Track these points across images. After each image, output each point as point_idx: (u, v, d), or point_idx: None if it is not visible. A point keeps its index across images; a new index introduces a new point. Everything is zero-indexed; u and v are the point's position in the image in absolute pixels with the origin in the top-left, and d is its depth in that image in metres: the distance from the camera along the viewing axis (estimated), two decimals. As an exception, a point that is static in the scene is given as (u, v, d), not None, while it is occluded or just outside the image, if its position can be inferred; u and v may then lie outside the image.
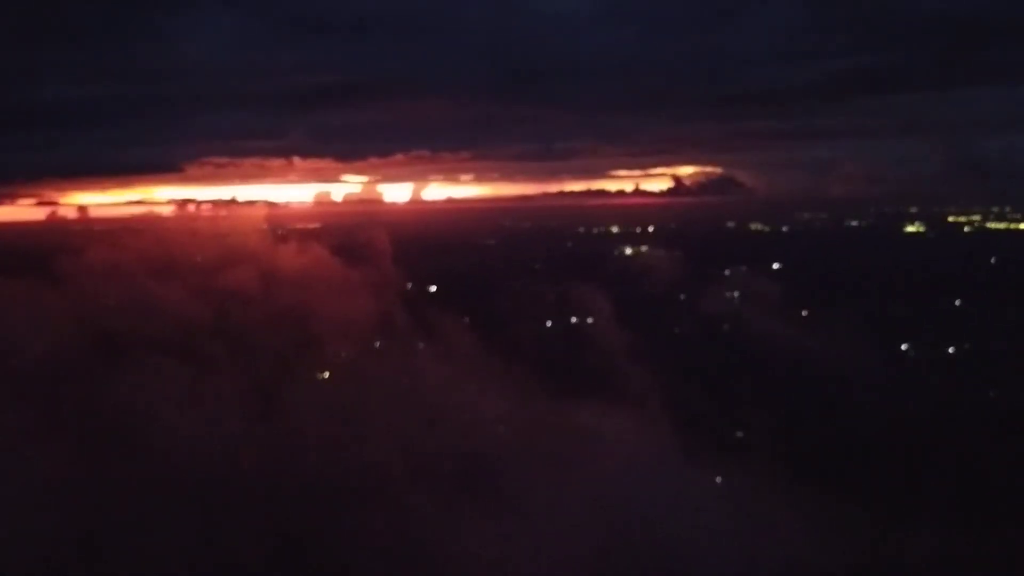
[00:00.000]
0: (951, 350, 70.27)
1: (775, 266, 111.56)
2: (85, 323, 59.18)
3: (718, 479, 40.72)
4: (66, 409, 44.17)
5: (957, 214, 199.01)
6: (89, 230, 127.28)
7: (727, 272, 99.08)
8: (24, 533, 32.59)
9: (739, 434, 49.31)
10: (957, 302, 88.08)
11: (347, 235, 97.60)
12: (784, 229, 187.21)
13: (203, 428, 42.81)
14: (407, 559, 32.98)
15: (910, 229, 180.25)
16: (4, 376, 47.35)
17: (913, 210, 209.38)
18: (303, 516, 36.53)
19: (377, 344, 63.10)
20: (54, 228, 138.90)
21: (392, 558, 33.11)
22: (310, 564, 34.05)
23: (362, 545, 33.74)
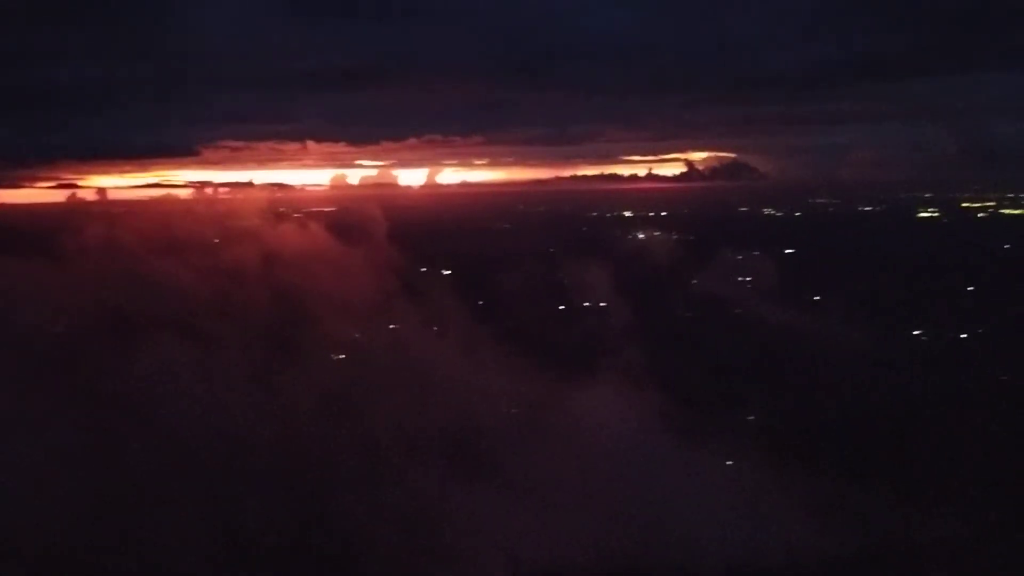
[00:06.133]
0: (963, 335, 70.32)
1: (788, 251, 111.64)
2: (108, 305, 60.09)
3: (728, 462, 41.10)
4: (86, 388, 45.02)
5: (971, 200, 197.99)
6: (110, 212, 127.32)
7: (740, 257, 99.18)
8: (40, 504, 33.33)
9: (750, 417, 49.63)
10: (970, 288, 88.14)
11: (363, 219, 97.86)
12: (797, 214, 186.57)
13: (217, 406, 43.65)
14: (420, 530, 33.60)
15: (923, 214, 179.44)
16: (28, 353, 48.28)
17: (927, 195, 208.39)
18: (317, 491, 37.28)
19: (392, 327, 63.71)
20: (75, 210, 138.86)
21: (405, 530, 33.76)
22: (323, 542, 34.69)
23: (377, 520, 34.42)
